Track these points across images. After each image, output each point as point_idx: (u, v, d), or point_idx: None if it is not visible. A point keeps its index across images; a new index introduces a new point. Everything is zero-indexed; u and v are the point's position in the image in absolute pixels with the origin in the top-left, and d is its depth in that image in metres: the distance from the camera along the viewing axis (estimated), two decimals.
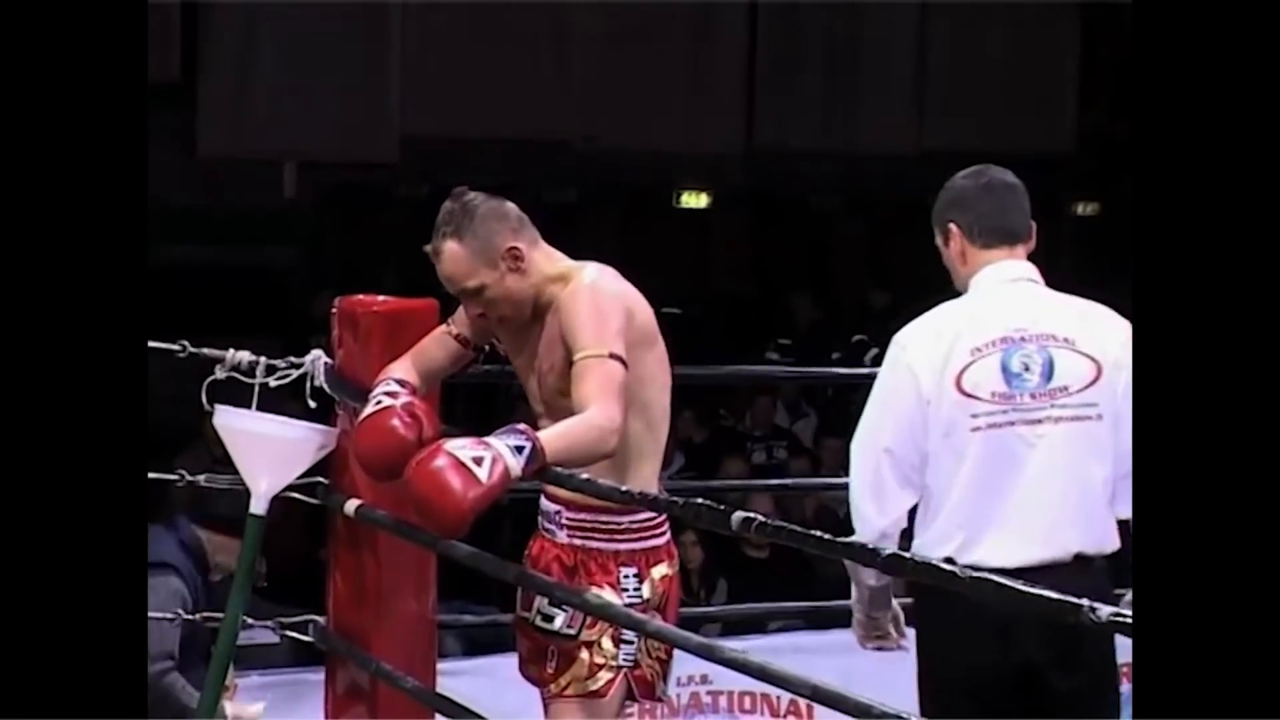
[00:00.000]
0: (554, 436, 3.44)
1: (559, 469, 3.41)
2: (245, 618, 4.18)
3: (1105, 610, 2.27)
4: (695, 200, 14.04)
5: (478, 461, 3.33)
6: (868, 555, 2.75)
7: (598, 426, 3.46)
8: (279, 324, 11.22)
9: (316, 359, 4.19)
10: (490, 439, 3.37)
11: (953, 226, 3.89)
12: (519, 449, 3.36)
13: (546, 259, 3.78)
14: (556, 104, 12.67)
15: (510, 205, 3.78)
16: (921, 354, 3.73)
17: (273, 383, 4.19)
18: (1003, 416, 3.68)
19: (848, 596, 3.89)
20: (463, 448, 3.35)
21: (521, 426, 3.44)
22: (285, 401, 4.26)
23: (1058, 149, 13.72)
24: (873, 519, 3.68)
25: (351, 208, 12.85)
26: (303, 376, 4.19)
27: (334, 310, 4.23)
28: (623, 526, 3.74)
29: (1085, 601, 2.28)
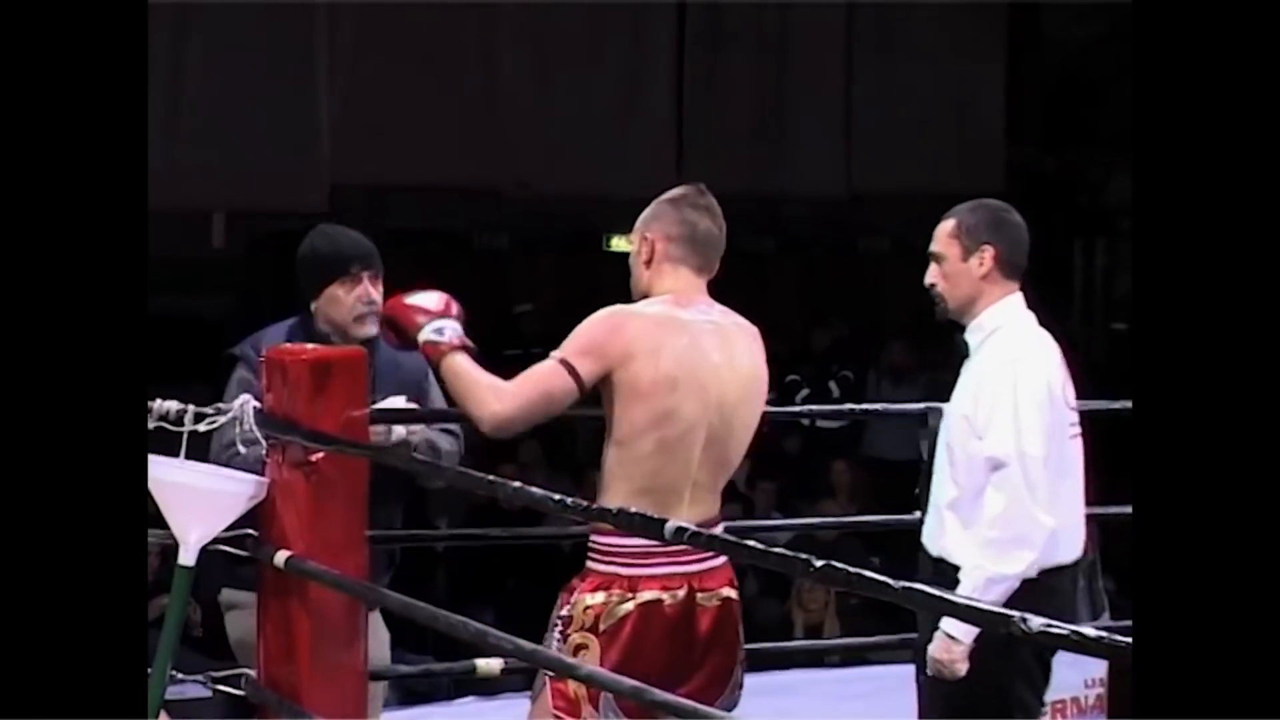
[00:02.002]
0: (461, 366, 3.85)
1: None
2: (174, 672, 4.12)
3: (1036, 621, 2.39)
4: (627, 244, 14.00)
5: (424, 300, 3.98)
6: (799, 566, 2.81)
7: (482, 400, 3.79)
8: (210, 373, 11.11)
9: (245, 403, 4.15)
10: (449, 315, 3.95)
11: (991, 249, 4.17)
12: (440, 332, 3.91)
13: (667, 279, 3.95)
14: (487, 151, 12.64)
15: (696, 222, 3.99)
16: (1047, 367, 4.12)
17: (202, 428, 4.14)
18: (1075, 428, 4.16)
19: (783, 639, 4.00)
20: (430, 296, 4.00)
21: (459, 343, 3.89)
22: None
23: (986, 187, 13.75)
24: (1045, 521, 4.01)
25: (281, 257, 12.76)
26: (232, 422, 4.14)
27: (261, 359, 4.19)
28: (590, 545, 3.87)
29: (1016, 613, 2.44)
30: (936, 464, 4.27)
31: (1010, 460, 4.01)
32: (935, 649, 4.09)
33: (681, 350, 3.83)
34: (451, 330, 3.95)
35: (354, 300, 4.44)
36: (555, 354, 3.81)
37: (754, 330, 4.02)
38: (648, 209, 4.03)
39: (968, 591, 3.97)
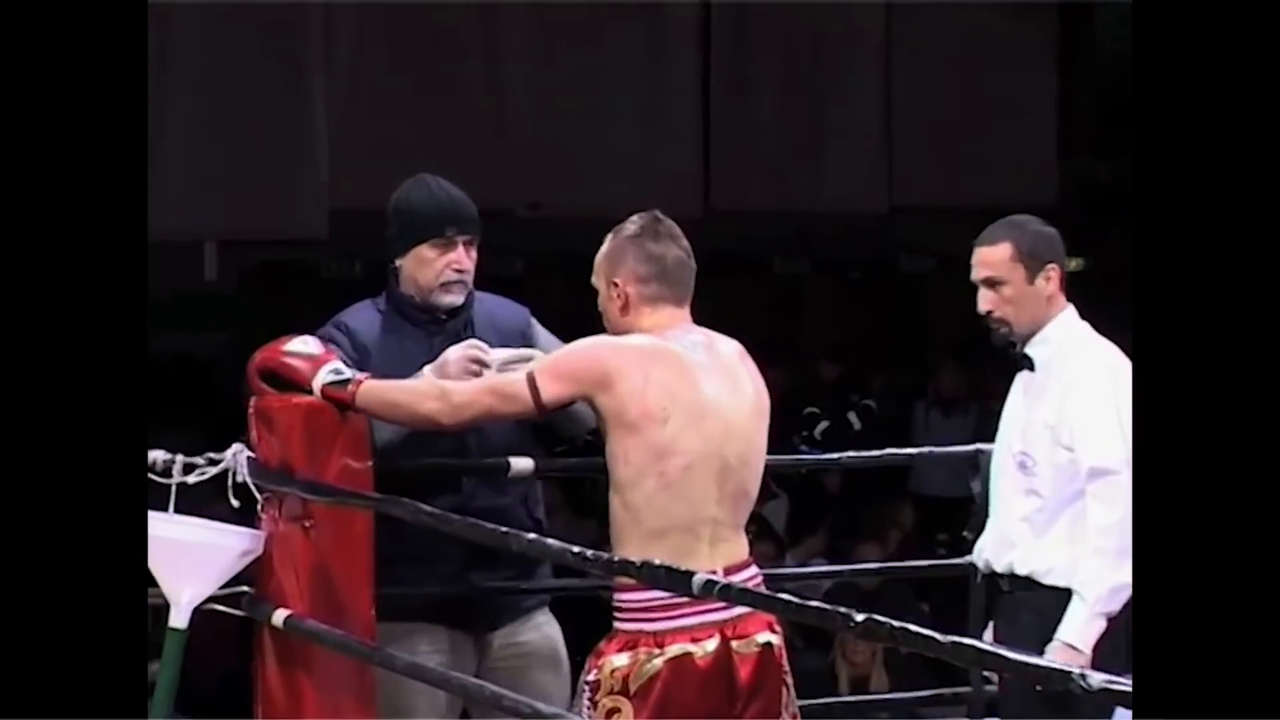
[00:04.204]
0: (382, 388, 4.02)
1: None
2: None
3: (1097, 678, 2.45)
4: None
5: (304, 346, 4.10)
6: (839, 621, 2.83)
7: (426, 394, 3.98)
8: (206, 415, 11.13)
9: (238, 453, 4.14)
10: (335, 358, 4.10)
11: (1056, 269, 4.41)
12: (339, 373, 4.05)
13: (647, 319, 3.99)
14: (497, 170, 12.63)
15: (665, 254, 4.02)
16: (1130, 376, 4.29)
17: (191, 480, 4.12)
18: None
19: (827, 694, 4.00)
20: (309, 341, 4.13)
21: (365, 375, 4.05)
22: (209, 503, 4.19)
23: (1039, 201, 13.74)
24: None
25: (279, 288, 12.79)
26: (224, 473, 4.13)
27: (250, 410, 4.18)
28: (615, 605, 3.89)
29: (1075, 669, 2.51)
30: (996, 478, 4.45)
31: (1120, 468, 4.18)
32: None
33: (670, 379, 3.89)
34: (346, 369, 4.08)
35: (443, 266, 4.39)
36: (528, 367, 3.95)
37: (742, 349, 4.10)
38: (605, 249, 4.06)
39: (1090, 603, 4.17)
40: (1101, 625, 4.20)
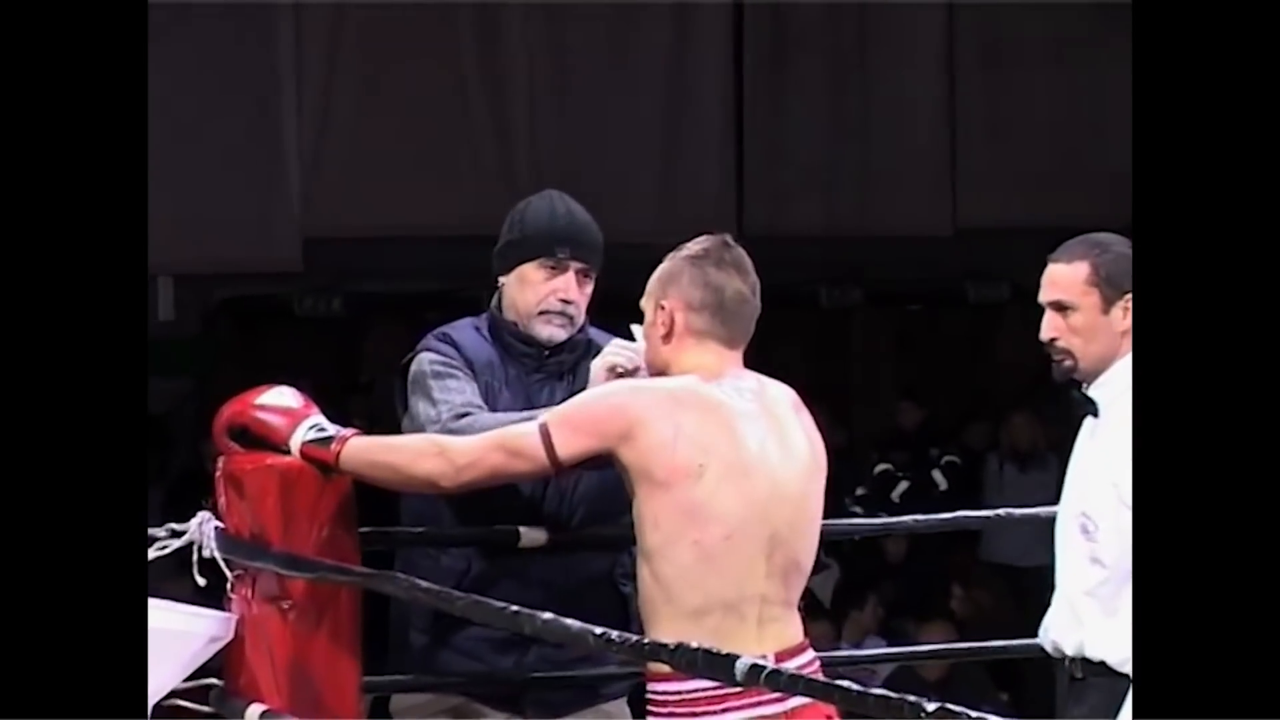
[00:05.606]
0: (372, 446, 4.09)
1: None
2: None
3: None
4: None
5: (280, 398, 4.15)
6: (907, 710, 2.84)
7: (423, 452, 4.03)
8: (162, 476, 11.15)
9: (204, 522, 4.17)
10: (317, 412, 4.14)
11: (1129, 301, 4.30)
12: (321, 429, 4.09)
13: (691, 356, 4.00)
14: (499, 193, 12.65)
15: (724, 285, 4.02)
16: None
17: (151, 555, 4.15)
18: None
19: None
20: (285, 393, 4.17)
21: (351, 431, 4.11)
22: (170, 580, 4.21)
23: (1123, 219, 13.74)
24: None
25: (246, 328, 12.82)
26: (188, 547, 4.15)
27: (217, 472, 4.20)
28: (649, 697, 3.90)
29: None
30: (1061, 543, 4.38)
31: None
32: None
33: (705, 429, 3.90)
34: (330, 426, 4.12)
35: (547, 291, 4.42)
36: (541, 417, 3.96)
37: (796, 397, 4.12)
38: (662, 268, 4.09)
39: None
40: None
